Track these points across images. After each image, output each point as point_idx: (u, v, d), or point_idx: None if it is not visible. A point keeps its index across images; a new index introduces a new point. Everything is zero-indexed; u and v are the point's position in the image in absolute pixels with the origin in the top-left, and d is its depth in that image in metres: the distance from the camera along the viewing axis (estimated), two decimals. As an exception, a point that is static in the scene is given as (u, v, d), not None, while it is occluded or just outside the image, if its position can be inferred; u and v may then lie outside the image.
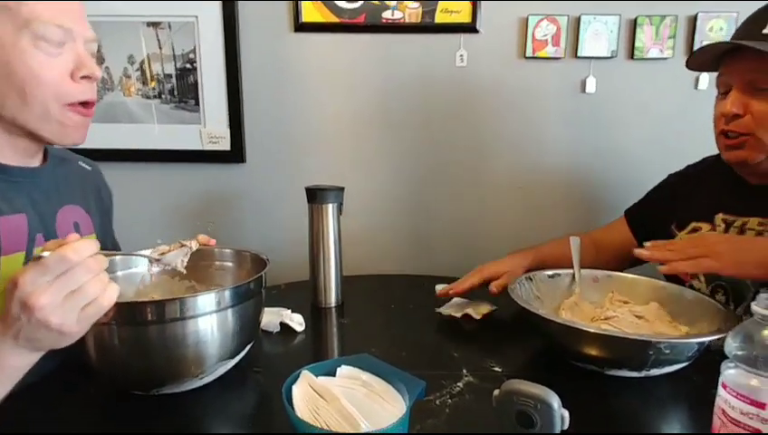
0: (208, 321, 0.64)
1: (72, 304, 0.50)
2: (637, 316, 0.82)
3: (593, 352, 0.71)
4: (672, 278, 0.88)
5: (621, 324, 0.80)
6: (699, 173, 1.00)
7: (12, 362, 0.53)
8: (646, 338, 0.67)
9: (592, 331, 0.69)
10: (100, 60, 1.24)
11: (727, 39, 1.20)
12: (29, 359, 0.53)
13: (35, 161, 0.77)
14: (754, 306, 0.50)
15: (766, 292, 0.50)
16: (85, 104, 0.72)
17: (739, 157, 0.84)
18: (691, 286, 0.89)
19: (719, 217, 0.90)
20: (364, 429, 0.48)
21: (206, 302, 0.63)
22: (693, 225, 0.94)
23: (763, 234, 0.82)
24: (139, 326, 0.62)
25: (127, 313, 0.62)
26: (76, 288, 0.49)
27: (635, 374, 0.71)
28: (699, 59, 0.86)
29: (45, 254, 0.48)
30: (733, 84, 0.82)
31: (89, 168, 0.93)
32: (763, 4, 0.80)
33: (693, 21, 1.22)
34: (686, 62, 0.88)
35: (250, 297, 0.69)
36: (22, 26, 0.65)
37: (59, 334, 0.50)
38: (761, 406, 0.47)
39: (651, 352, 0.67)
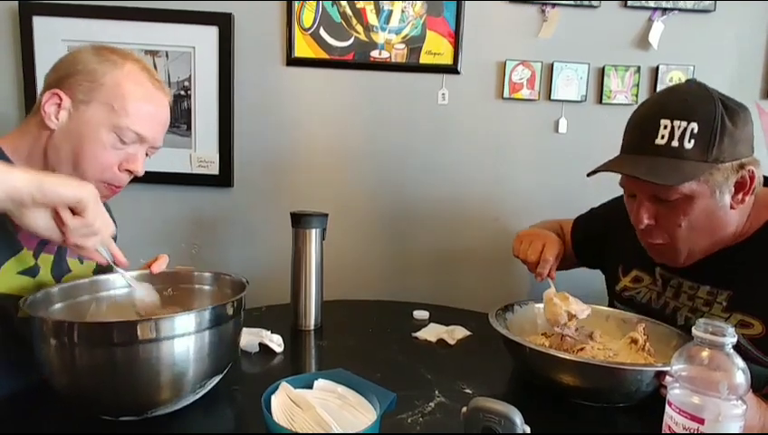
0: (185, 342, 0.61)
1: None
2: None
3: (578, 383, 0.73)
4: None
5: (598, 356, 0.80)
6: None
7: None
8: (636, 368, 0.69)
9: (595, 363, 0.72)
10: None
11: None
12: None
13: None
14: (695, 330, 0.55)
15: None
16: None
17: (660, 258, 0.85)
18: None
19: (658, 270, 0.89)
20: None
21: (183, 323, 0.61)
22: (635, 273, 0.94)
23: (712, 304, 0.80)
24: (113, 348, 0.58)
25: (101, 333, 0.60)
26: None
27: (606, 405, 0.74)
28: (598, 171, 0.83)
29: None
30: (637, 194, 0.80)
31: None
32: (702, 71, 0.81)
33: (655, 71, 1.33)
34: (587, 174, 0.84)
35: (229, 319, 0.68)
36: (112, 127, 0.76)
37: None
38: (700, 421, 0.52)
39: (635, 385, 0.69)
